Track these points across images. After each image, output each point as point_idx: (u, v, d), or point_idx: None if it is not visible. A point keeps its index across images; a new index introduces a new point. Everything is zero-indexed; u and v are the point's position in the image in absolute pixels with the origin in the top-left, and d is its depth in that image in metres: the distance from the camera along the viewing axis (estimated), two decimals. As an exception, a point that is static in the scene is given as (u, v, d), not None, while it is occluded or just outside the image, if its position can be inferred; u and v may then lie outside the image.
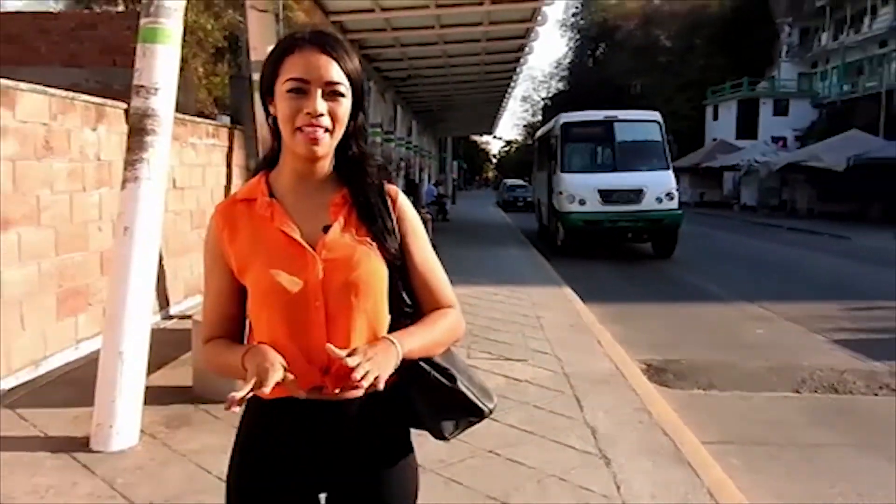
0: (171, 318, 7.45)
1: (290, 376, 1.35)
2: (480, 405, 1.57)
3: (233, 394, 1.28)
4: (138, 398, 4.08)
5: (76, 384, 4.96)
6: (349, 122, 1.47)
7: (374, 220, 1.50)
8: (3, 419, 4.39)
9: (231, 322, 1.54)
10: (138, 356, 4.10)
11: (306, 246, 1.44)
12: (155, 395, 4.57)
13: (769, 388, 5.87)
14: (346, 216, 1.49)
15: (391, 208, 1.53)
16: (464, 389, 1.54)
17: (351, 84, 1.45)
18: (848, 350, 7.21)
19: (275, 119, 1.46)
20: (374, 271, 1.47)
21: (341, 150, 1.50)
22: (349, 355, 1.32)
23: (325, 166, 1.51)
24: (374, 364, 1.32)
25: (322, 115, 1.41)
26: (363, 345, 1.39)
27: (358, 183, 1.51)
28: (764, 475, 4.16)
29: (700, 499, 3.50)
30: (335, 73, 1.42)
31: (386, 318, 1.51)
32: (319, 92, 1.41)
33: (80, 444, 3.95)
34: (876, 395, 5.75)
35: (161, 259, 7.10)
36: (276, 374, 1.32)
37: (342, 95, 1.43)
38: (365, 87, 1.52)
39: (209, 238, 1.54)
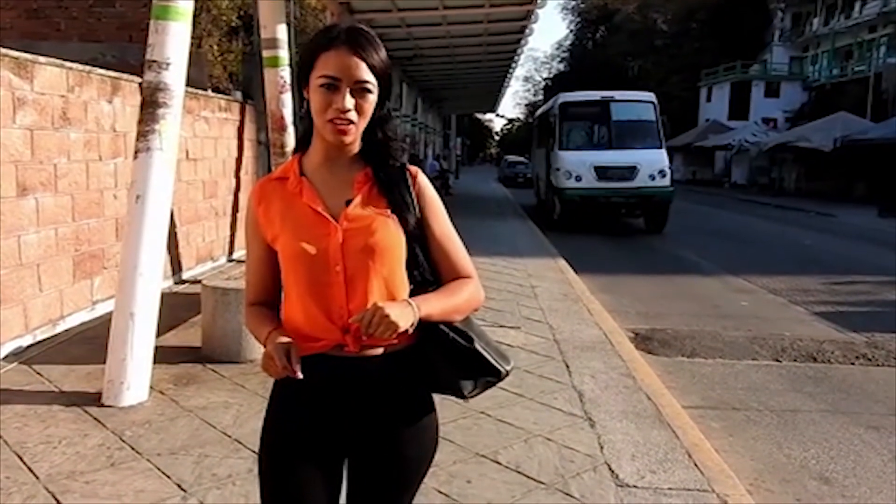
0: (182, 282, 7.44)
1: (294, 352, 1.45)
2: (497, 366, 1.59)
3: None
4: (148, 357, 4.09)
5: (91, 343, 4.97)
6: (375, 110, 1.54)
7: (392, 193, 1.56)
8: (20, 374, 4.41)
9: (269, 287, 1.63)
10: (148, 317, 4.11)
11: (329, 217, 1.52)
12: (165, 355, 4.59)
13: (751, 357, 5.86)
14: (367, 191, 1.55)
15: (411, 185, 1.59)
16: (481, 350, 1.57)
17: (378, 79, 1.51)
18: (827, 321, 7.20)
19: (308, 103, 1.53)
20: (391, 238, 1.52)
21: (368, 133, 1.57)
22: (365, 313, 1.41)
23: (352, 148, 1.57)
24: (385, 316, 1.38)
25: (349, 110, 1.47)
26: (380, 301, 1.44)
27: (381, 162, 1.58)
28: (742, 438, 4.17)
29: (678, 458, 3.50)
30: (364, 72, 1.48)
31: (405, 285, 1.56)
32: (349, 90, 1.47)
33: (93, 399, 3.97)
34: (852, 364, 5.74)
35: (174, 226, 7.13)
36: (284, 354, 1.44)
37: (369, 92, 1.50)
38: (391, 78, 1.58)
39: (248, 212, 1.63)
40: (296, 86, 1.61)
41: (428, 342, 1.54)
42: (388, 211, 1.54)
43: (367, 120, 1.53)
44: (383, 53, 1.53)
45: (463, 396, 1.60)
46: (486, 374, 1.59)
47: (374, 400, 1.55)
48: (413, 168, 1.62)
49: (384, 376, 1.54)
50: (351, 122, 1.48)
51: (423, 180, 1.62)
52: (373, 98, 1.51)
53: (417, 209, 1.58)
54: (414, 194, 1.58)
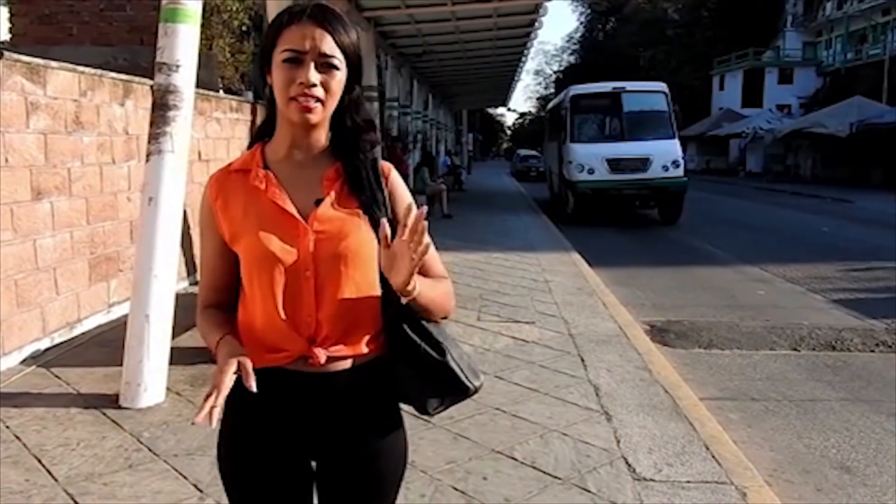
0: (197, 283, 7.47)
1: (247, 365, 1.32)
2: (467, 382, 1.48)
3: (199, 412, 1.28)
4: (164, 358, 4.10)
5: (107, 345, 5.00)
6: (344, 94, 1.44)
7: (364, 192, 1.46)
8: (38, 377, 4.44)
9: (225, 288, 1.51)
10: (164, 319, 4.11)
11: (298, 217, 1.41)
12: (181, 356, 4.58)
13: (768, 347, 5.80)
14: (338, 190, 1.45)
15: (384, 183, 1.49)
16: (452, 366, 1.47)
17: (346, 57, 1.41)
18: (846, 309, 7.12)
19: (271, 89, 1.42)
20: (364, 241, 1.43)
21: (337, 123, 1.47)
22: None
23: (321, 138, 1.47)
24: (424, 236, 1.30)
25: (315, 85, 1.37)
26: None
27: (351, 157, 1.48)
28: (760, 429, 4.13)
29: (696, 451, 3.47)
30: (329, 45, 1.38)
31: (376, 289, 1.47)
32: (313, 63, 1.37)
33: (110, 401, 3.99)
34: (872, 351, 5.68)
35: (188, 227, 7.14)
36: (228, 378, 1.31)
37: (336, 68, 1.40)
38: (361, 60, 1.47)
39: (203, 207, 1.50)
40: (258, 70, 1.48)
41: (398, 353, 1.44)
42: (360, 211, 1.44)
43: (336, 101, 1.42)
44: (352, 33, 1.43)
45: (427, 413, 1.51)
46: (454, 390, 1.49)
47: (340, 415, 1.46)
48: (385, 165, 1.53)
49: (350, 391, 1.45)
50: (317, 98, 1.38)
51: (396, 178, 1.53)
52: (340, 76, 1.40)
53: (389, 209, 1.48)
54: (386, 193, 1.49)
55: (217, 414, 1.29)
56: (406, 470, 1.58)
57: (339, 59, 1.40)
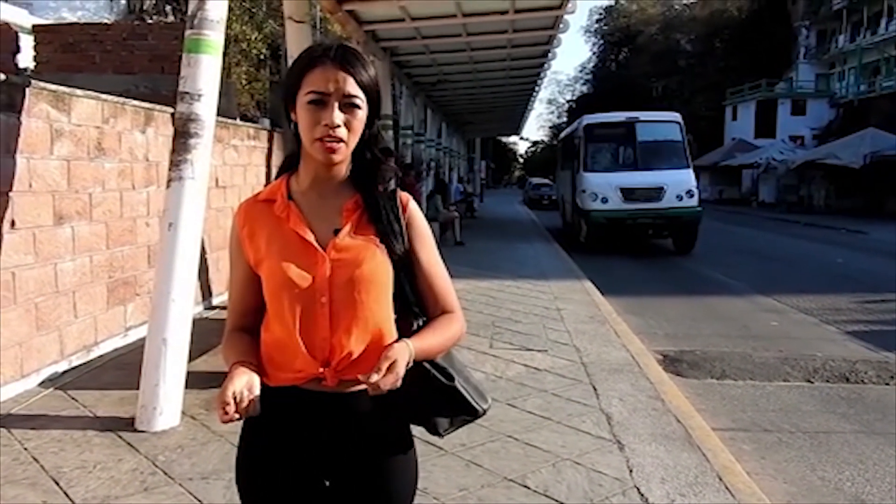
0: (213, 308, 7.53)
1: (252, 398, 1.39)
2: (475, 405, 1.57)
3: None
4: (180, 382, 4.15)
5: (124, 368, 5.05)
6: (364, 129, 1.51)
7: (381, 222, 1.52)
8: (56, 400, 4.49)
9: (251, 311, 1.58)
10: (180, 343, 4.17)
11: (317, 246, 1.48)
12: (197, 380, 4.61)
13: (782, 378, 5.77)
14: (356, 220, 1.52)
15: (401, 214, 1.55)
16: (460, 389, 1.55)
17: (366, 95, 1.48)
18: (860, 341, 7.07)
19: (296, 125, 1.50)
20: (379, 269, 1.49)
21: (358, 156, 1.54)
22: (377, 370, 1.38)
23: (342, 170, 1.54)
24: (395, 370, 1.38)
25: (339, 126, 1.44)
26: (386, 353, 1.41)
27: (370, 188, 1.54)
28: (774, 460, 4.10)
29: (709, 481, 3.46)
30: (352, 86, 1.45)
31: (390, 316, 1.53)
32: (337, 105, 1.44)
33: (126, 424, 4.02)
34: (887, 384, 5.63)
35: (204, 253, 7.23)
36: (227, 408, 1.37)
37: (358, 107, 1.47)
38: (380, 95, 1.54)
39: (232, 234, 1.60)
40: (282, 106, 1.56)
41: (409, 379, 1.46)
42: (377, 240, 1.50)
43: (357, 137, 1.49)
44: (371, 70, 1.50)
45: (438, 433, 1.58)
46: (463, 413, 1.57)
47: (353, 435, 1.51)
48: (404, 195, 1.58)
49: (363, 411, 1.50)
50: (340, 139, 1.45)
51: (414, 208, 1.59)
52: (362, 114, 1.48)
53: (406, 238, 1.54)
54: (404, 223, 1.55)
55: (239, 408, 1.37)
56: (416, 492, 1.62)
57: (361, 99, 1.47)
